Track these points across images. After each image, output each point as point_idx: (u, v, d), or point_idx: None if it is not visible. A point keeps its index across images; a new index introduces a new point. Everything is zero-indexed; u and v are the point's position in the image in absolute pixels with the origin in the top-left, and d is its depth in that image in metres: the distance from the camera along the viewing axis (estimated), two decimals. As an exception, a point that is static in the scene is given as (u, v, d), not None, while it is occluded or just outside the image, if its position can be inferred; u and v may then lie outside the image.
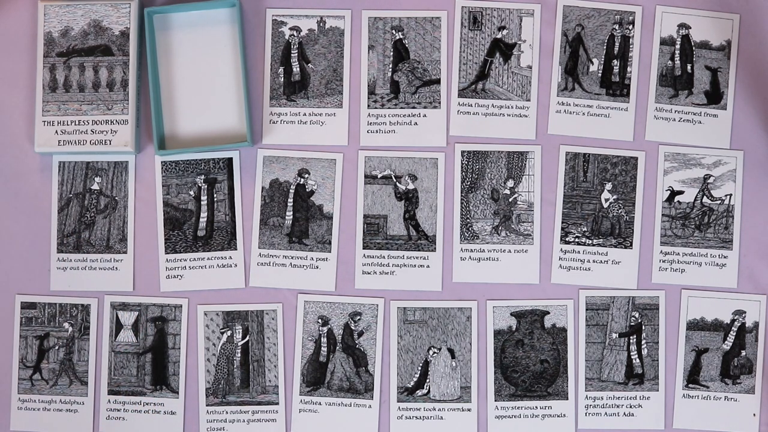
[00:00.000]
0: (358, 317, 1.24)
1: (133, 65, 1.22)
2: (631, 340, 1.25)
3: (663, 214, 1.26)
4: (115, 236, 1.25)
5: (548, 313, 1.25)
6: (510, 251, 1.25)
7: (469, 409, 1.24)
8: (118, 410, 1.23)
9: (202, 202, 1.25)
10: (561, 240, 1.25)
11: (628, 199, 1.26)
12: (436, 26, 1.27)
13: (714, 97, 1.27)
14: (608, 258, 1.25)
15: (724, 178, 1.26)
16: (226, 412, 1.24)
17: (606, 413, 1.24)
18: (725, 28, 1.27)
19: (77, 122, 1.21)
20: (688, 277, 1.25)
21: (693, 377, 1.24)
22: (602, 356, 1.25)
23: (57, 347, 1.24)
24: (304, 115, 1.26)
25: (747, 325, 1.25)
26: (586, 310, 1.25)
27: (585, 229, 1.26)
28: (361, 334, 1.24)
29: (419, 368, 1.24)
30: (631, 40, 1.27)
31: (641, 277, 1.25)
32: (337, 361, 1.24)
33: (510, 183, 1.26)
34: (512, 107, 1.26)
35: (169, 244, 1.25)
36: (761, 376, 1.24)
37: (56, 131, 1.21)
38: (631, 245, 1.25)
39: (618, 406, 1.24)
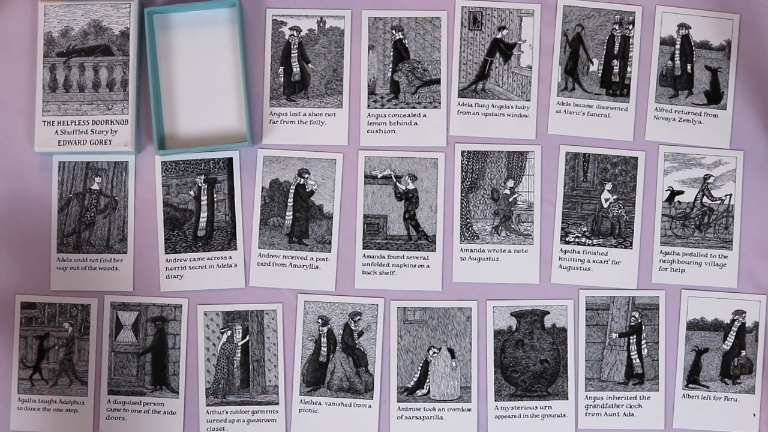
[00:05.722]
0: (358, 317, 1.24)
1: (133, 65, 1.22)
2: (631, 340, 1.25)
3: (663, 214, 1.26)
4: (115, 236, 1.25)
5: (548, 313, 1.25)
6: (510, 251, 1.25)
7: (469, 409, 1.24)
8: (118, 410, 1.23)
9: (202, 202, 1.25)
10: (561, 240, 1.25)
11: (628, 199, 1.26)
12: (436, 26, 1.27)
13: (714, 97, 1.27)
14: (608, 258, 1.25)
15: (724, 178, 1.26)
16: (226, 412, 1.24)
17: (606, 413, 1.24)
18: (725, 28, 1.27)
19: (77, 122, 1.21)
20: (688, 277, 1.25)
21: (693, 377, 1.24)
22: (602, 356, 1.25)
23: (57, 347, 1.24)
24: (304, 115, 1.26)
25: (747, 325, 1.25)
26: (586, 310, 1.25)
27: (585, 229, 1.26)
28: (361, 334, 1.24)
29: (419, 368, 1.24)
30: (631, 40, 1.27)
31: (641, 277, 1.25)
32: (337, 361, 1.24)
33: (510, 183, 1.26)
34: (512, 107, 1.26)
35: (169, 244, 1.25)
36: (761, 376, 1.24)
37: (56, 131, 1.21)
38: (631, 245, 1.25)
39: (618, 406, 1.24)
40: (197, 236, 1.25)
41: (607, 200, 1.26)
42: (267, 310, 1.24)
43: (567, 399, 1.24)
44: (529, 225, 1.25)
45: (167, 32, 1.26)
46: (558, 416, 1.24)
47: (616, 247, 1.25)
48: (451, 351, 1.25)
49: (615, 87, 1.27)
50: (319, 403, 1.24)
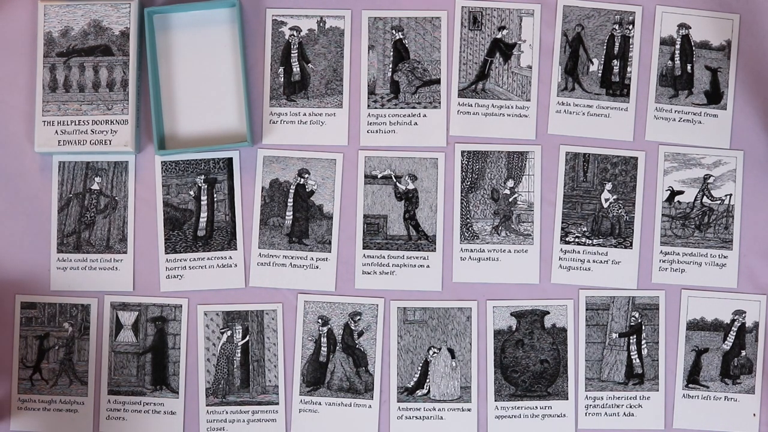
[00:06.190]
0: (358, 317, 1.24)
1: (133, 65, 1.22)
2: (631, 340, 1.25)
3: (663, 214, 1.26)
4: (115, 236, 1.25)
5: (548, 313, 1.25)
6: (510, 251, 1.25)
7: (469, 409, 1.24)
8: (118, 410, 1.23)
9: (202, 202, 1.25)
10: (561, 240, 1.25)
11: (628, 199, 1.26)
12: (436, 26, 1.27)
13: (714, 97, 1.27)
14: (608, 258, 1.25)
15: (724, 178, 1.26)
16: (226, 412, 1.24)
17: (606, 413, 1.24)
18: (725, 28, 1.27)
19: (77, 122, 1.21)
20: (688, 277, 1.25)
21: (693, 377, 1.24)
22: (602, 356, 1.25)
23: (57, 347, 1.24)
24: (304, 115, 1.26)
25: (747, 325, 1.25)
26: (586, 310, 1.25)
27: (585, 229, 1.26)
28: (361, 334, 1.24)
29: (419, 368, 1.24)
30: (631, 40, 1.27)
31: (641, 277, 1.25)
32: (337, 361, 1.24)
33: (510, 183, 1.26)
34: (512, 107, 1.26)
35: (169, 244, 1.25)
36: (761, 376, 1.24)
37: (56, 131, 1.21)
38: (631, 245, 1.25)
39: (618, 406, 1.24)
40: (197, 236, 1.25)
41: (607, 200, 1.26)
42: (267, 310, 1.24)
43: (567, 399, 1.24)
44: (529, 225, 1.25)
45: (167, 32, 1.26)
46: (558, 416, 1.24)
47: (616, 247, 1.25)
48: (451, 351, 1.25)
49: (615, 87, 1.27)
50: (319, 403, 1.24)
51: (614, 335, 1.25)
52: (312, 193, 1.26)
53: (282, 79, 1.27)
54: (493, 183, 1.26)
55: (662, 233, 1.25)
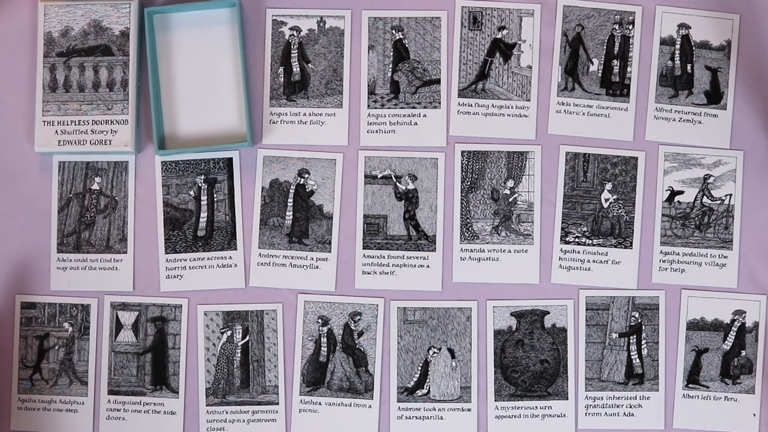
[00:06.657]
0: (358, 317, 1.24)
1: (133, 65, 1.22)
2: (631, 340, 1.25)
3: (663, 214, 1.26)
4: (115, 236, 1.25)
5: (548, 313, 1.25)
6: (510, 251, 1.25)
7: (469, 409, 1.24)
8: (118, 410, 1.23)
9: (202, 202, 1.25)
10: (561, 240, 1.25)
11: (628, 199, 1.26)
12: (436, 26, 1.27)
13: (714, 97, 1.27)
14: (608, 258, 1.25)
15: (724, 178, 1.26)
16: (226, 412, 1.24)
17: (606, 413, 1.24)
18: (725, 28, 1.27)
19: (77, 122, 1.21)
20: (688, 277, 1.25)
21: (693, 377, 1.24)
22: (602, 356, 1.25)
23: (57, 347, 1.24)
24: (304, 115, 1.26)
25: (747, 325, 1.25)
26: (586, 310, 1.25)
27: (585, 229, 1.26)
28: (361, 334, 1.25)
29: (419, 368, 1.24)
30: (631, 40, 1.27)
31: (641, 277, 1.25)
32: (337, 361, 1.24)
33: (510, 183, 1.26)
34: (512, 107, 1.26)
35: (169, 244, 1.25)
36: (761, 376, 1.24)
37: (56, 131, 1.21)
38: (631, 245, 1.25)
39: (618, 406, 1.24)
40: (197, 236, 1.25)
41: (607, 200, 1.26)
42: (267, 310, 1.24)
43: (567, 399, 1.24)
44: (529, 225, 1.25)
45: (167, 32, 1.26)
46: (558, 416, 1.24)
47: (616, 247, 1.25)
48: (451, 351, 1.25)
49: (615, 87, 1.27)
50: (319, 403, 1.24)
51: (614, 335, 1.25)
52: (312, 193, 1.26)
53: (282, 79, 1.27)
54: (493, 183, 1.26)
55: (662, 233, 1.25)
